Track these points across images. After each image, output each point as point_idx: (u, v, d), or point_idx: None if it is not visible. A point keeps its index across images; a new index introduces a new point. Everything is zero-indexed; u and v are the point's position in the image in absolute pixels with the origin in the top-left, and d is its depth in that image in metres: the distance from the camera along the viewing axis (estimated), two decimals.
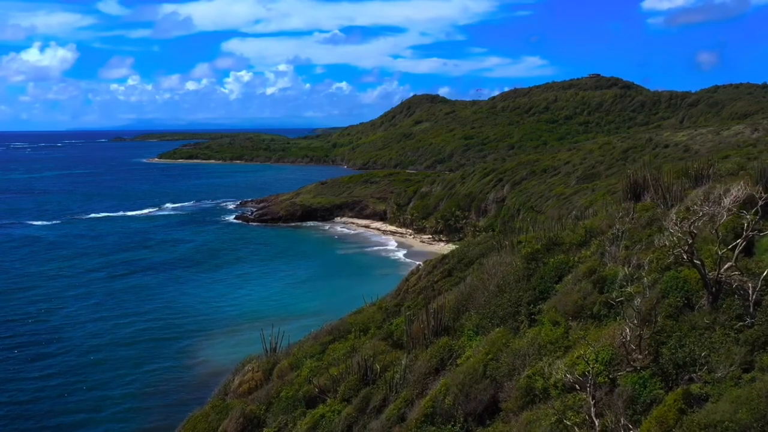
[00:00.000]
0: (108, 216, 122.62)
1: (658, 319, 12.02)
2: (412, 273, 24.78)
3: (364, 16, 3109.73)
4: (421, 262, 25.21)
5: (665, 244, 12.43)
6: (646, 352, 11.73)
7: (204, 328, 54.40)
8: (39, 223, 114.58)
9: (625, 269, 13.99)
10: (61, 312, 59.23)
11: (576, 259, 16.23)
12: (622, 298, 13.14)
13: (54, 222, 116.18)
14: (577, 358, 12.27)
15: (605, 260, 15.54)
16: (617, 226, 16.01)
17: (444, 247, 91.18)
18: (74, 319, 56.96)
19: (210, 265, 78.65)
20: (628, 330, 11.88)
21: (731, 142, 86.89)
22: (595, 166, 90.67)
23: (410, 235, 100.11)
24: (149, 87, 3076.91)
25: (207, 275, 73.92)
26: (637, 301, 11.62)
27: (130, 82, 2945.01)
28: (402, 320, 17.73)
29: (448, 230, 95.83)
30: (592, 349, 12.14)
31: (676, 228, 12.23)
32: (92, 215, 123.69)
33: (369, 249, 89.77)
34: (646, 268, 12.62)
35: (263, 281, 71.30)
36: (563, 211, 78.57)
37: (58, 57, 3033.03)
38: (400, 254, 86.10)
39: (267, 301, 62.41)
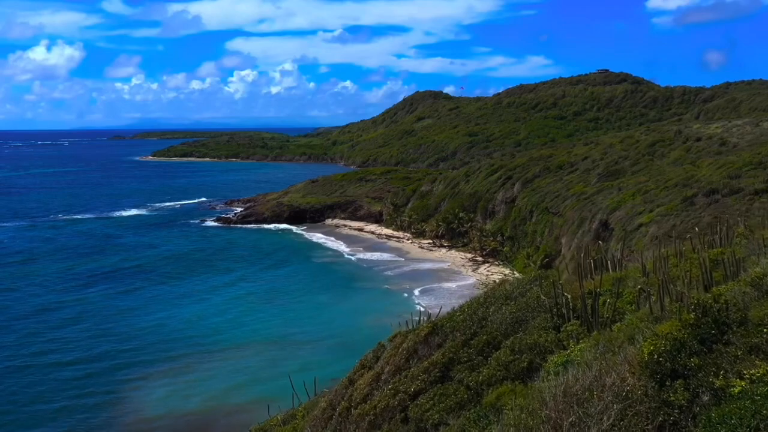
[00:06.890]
0: (80, 218, 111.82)
1: None
2: (363, 366, 12.95)
3: (369, 16, 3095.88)
4: (386, 340, 13.30)
5: None
6: None
7: (146, 361, 43.55)
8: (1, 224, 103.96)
9: None
10: None
11: None
12: None
13: (18, 223, 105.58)
14: None
15: None
16: None
17: (446, 254, 79.84)
18: None
19: (172, 276, 67.28)
20: None
21: None
22: (618, 162, 79.51)
23: (408, 239, 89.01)
24: (154, 86, 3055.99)
25: (165, 289, 62.49)
26: None
27: (135, 81, 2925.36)
28: None
29: (450, 234, 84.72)
30: None
31: None
32: (64, 216, 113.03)
33: (360, 256, 78.57)
34: None
35: (231, 295, 60.22)
36: (585, 213, 67.66)
37: (65, 56, 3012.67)
38: (394, 263, 75.19)
39: (229, 323, 51.42)
